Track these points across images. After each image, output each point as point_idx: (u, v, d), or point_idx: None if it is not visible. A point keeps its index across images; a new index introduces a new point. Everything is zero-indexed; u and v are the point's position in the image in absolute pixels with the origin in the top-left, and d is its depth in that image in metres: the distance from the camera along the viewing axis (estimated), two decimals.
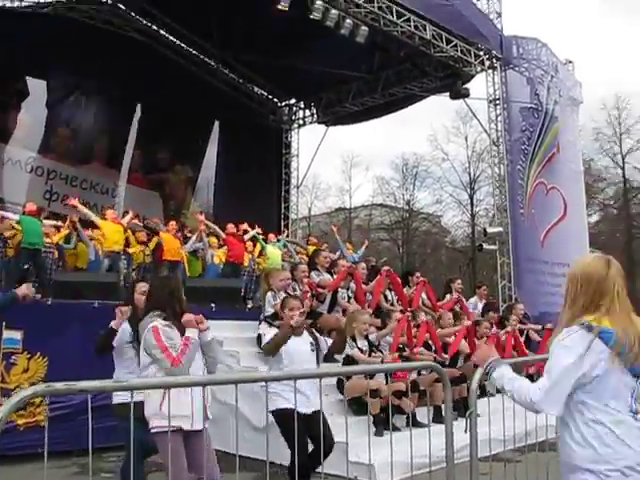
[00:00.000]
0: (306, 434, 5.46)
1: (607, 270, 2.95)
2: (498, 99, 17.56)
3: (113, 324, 5.83)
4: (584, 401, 2.82)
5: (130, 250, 13.15)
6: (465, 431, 4.41)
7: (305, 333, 6.04)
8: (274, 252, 14.30)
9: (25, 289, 5.59)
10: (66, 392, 2.58)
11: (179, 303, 4.89)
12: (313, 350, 5.90)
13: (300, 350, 5.78)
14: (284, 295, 9.17)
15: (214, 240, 14.76)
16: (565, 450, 2.90)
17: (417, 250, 43.49)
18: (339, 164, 56.13)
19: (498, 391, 3.52)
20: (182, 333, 4.75)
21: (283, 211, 22.75)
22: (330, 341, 6.25)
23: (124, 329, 5.76)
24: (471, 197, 40.05)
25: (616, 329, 2.85)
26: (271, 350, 5.71)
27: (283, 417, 5.21)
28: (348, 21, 14.75)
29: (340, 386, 8.17)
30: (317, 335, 6.19)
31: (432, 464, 4.83)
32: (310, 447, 5.59)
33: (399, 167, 43.09)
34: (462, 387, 8.71)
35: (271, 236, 15.50)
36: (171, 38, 19.36)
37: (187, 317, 4.81)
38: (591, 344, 2.81)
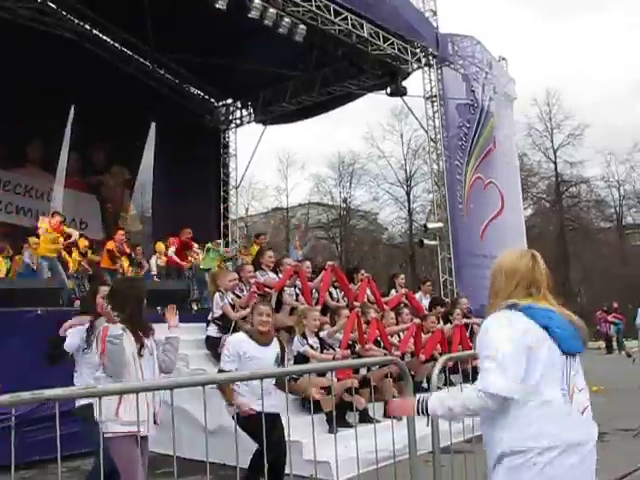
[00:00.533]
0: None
1: (533, 262, 2.97)
2: (435, 96, 17.79)
3: (61, 331, 5.65)
4: None
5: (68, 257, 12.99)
6: (427, 424, 4.44)
7: (275, 341, 6.02)
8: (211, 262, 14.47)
9: None
10: (32, 401, 2.48)
11: (139, 308, 4.77)
12: (276, 361, 5.85)
13: (264, 359, 5.73)
14: (232, 296, 9.17)
15: (161, 246, 14.73)
16: (495, 439, 2.83)
17: (355, 248, 43.77)
18: (275, 164, 56.01)
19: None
20: (136, 338, 4.66)
21: (222, 212, 22.55)
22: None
23: (80, 332, 5.57)
24: (408, 194, 40.54)
25: (554, 308, 2.88)
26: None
27: (249, 419, 5.13)
28: (286, 20, 14.75)
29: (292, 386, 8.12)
30: (285, 346, 6.20)
31: (387, 459, 4.84)
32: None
33: (335, 165, 43.33)
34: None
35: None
36: (104, 38, 18.96)
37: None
38: (515, 320, 2.81)
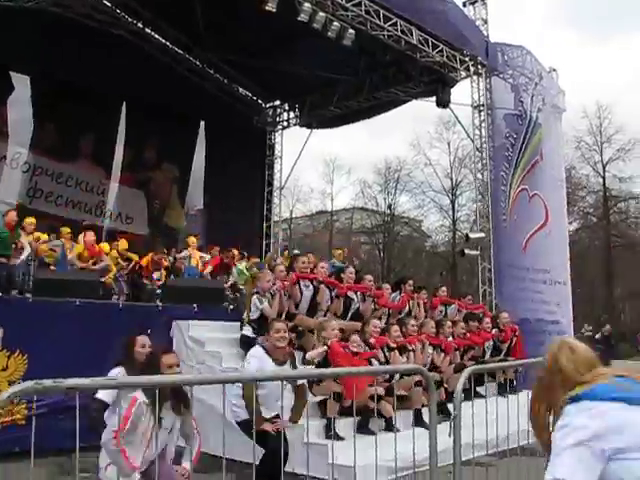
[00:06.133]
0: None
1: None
2: (482, 105, 17.64)
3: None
4: None
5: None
6: (449, 435, 4.43)
7: (288, 363, 6.12)
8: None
9: None
10: (54, 390, 2.55)
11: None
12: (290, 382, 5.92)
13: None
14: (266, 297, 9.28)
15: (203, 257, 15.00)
16: None
17: (398, 254, 43.62)
18: (321, 167, 56.26)
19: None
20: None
21: (265, 213, 22.63)
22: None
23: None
24: (452, 202, 40.31)
25: None
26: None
27: (249, 427, 5.21)
28: (335, 24, 14.73)
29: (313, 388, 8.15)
30: (294, 355, 6.37)
31: (408, 468, 4.84)
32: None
33: (381, 171, 43.29)
34: (440, 391, 8.88)
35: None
36: (157, 36, 19.22)
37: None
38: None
